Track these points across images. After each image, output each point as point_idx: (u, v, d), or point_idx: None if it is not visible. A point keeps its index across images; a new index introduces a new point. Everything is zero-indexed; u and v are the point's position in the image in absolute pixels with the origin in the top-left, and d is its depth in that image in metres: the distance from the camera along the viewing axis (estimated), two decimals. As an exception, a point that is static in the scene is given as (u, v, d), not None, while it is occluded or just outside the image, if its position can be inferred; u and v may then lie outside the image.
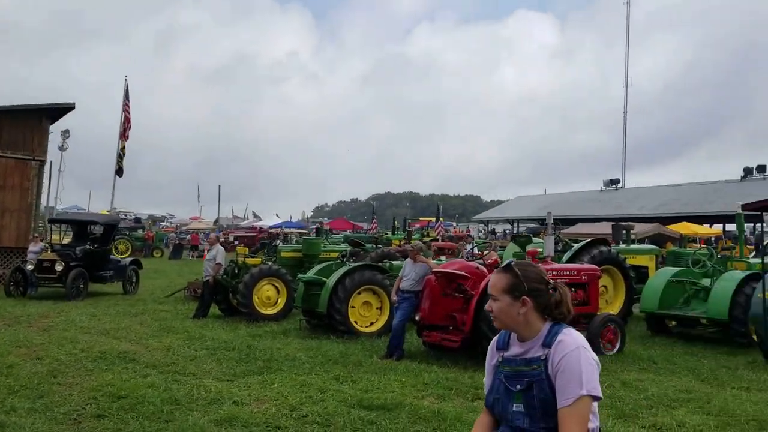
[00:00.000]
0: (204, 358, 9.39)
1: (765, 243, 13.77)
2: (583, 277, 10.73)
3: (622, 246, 15.71)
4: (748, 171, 52.38)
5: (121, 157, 35.69)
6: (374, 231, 37.62)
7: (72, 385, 7.67)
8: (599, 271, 11.07)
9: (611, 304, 13.60)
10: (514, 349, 2.64)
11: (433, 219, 49.55)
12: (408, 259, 10.15)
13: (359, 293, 11.59)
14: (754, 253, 17.14)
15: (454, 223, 73.29)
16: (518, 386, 2.55)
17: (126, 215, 67.28)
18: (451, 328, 9.56)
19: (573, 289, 10.61)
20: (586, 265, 11.13)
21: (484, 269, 9.73)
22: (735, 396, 7.81)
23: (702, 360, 10.24)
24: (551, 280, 2.65)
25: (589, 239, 13.74)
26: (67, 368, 8.52)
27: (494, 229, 60.49)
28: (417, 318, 9.82)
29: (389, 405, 6.93)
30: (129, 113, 35.69)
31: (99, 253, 17.65)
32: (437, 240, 26.88)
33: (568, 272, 10.60)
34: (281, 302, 13.45)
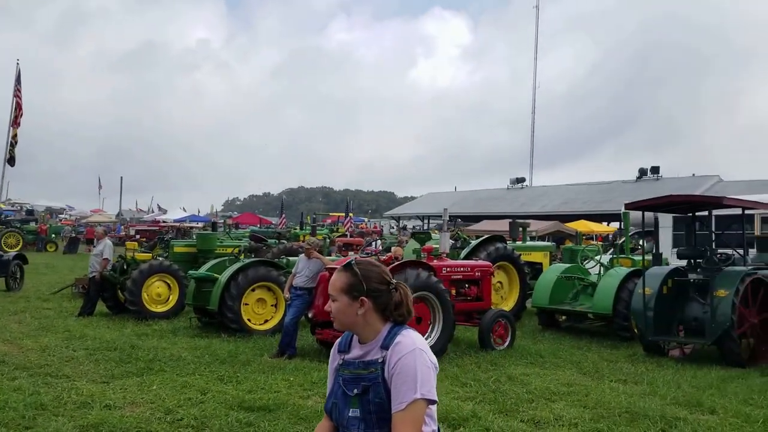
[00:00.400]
0: (81, 359, 8.86)
1: (621, 241, 14.45)
2: (477, 274, 10.87)
3: (519, 243, 16.11)
4: (643, 172, 55.29)
5: (12, 145, 33.60)
6: (282, 226, 37.08)
7: (-76, 392, 7.04)
8: (492, 268, 11.26)
9: (506, 300, 13.93)
10: (355, 352, 2.52)
11: (344, 214, 49.51)
12: (302, 255, 9.95)
13: (253, 290, 11.29)
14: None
15: (365, 219, 73.45)
16: (355, 390, 2.44)
17: (21, 207, 63.49)
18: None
19: (467, 285, 10.74)
20: (480, 262, 11.29)
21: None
22: (612, 389, 8.08)
23: (587, 353, 10.59)
24: (392, 281, 2.54)
25: (486, 236, 13.98)
26: None
27: (405, 225, 61.04)
28: (310, 315, 9.65)
29: (271, 406, 6.73)
30: (21, 99, 33.67)
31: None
32: (346, 236, 26.79)
33: (461, 268, 10.72)
34: (173, 299, 12.94)
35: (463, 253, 13.44)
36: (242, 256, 13.93)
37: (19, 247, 34.52)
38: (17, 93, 33.53)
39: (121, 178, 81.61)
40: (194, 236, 16.87)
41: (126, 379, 7.88)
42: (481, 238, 13.83)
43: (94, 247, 14.01)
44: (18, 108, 33.38)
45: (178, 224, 44.69)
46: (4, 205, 55.71)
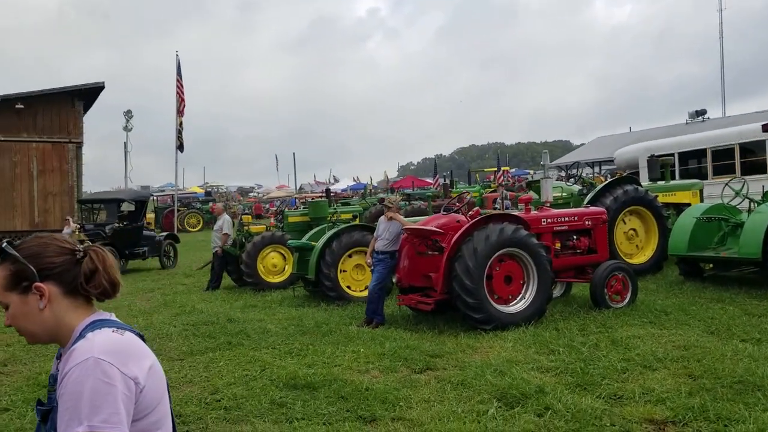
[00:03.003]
0: (174, 336, 9.06)
1: None
2: (587, 223, 9.61)
3: (661, 183, 14.18)
4: None
5: (180, 132, 36.34)
6: (437, 187, 36.64)
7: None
8: (605, 214, 9.88)
9: (643, 249, 12.36)
10: (58, 362, 1.89)
11: (507, 168, 47.92)
12: (382, 218, 9.37)
13: (350, 256, 10.94)
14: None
15: (531, 172, 70.72)
16: (38, 417, 1.83)
17: (217, 189, 69.51)
18: (428, 289, 8.77)
19: (575, 236, 9.55)
20: (591, 209, 9.97)
21: (464, 222, 8.82)
22: (737, 351, 6.64)
23: (727, 307, 8.96)
24: (78, 246, 1.85)
25: (613, 178, 12.41)
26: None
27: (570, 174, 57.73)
28: (394, 280, 9.09)
29: (318, 383, 6.29)
30: (182, 90, 36.13)
31: (130, 230, 17.82)
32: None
33: (567, 218, 9.52)
34: (289, 269, 12.99)
35: (587, 199, 12.03)
36: (357, 221, 13.69)
37: (200, 226, 37.58)
38: (179, 84, 36.05)
39: (294, 153, 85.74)
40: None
41: (202, 355, 7.87)
42: (606, 182, 12.28)
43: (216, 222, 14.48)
44: (180, 98, 35.92)
45: (346, 193, 45.95)
46: (200, 189, 61.24)
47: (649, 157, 14.44)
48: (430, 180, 57.12)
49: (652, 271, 12.09)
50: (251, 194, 79.82)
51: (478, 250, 8.16)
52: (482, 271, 8.16)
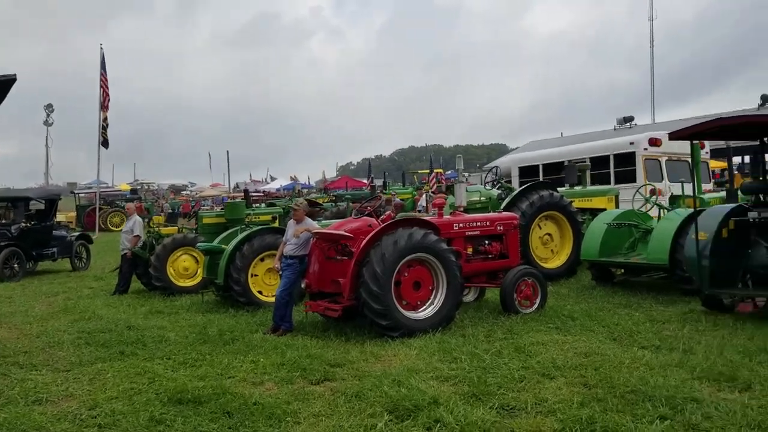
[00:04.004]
0: (65, 344, 8.50)
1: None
2: (499, 228, 9.56)
3: (577, 188, 14.39)
4: (765, 99, 49.85)
5: (104, 128, 34.95)
6: (368, 188, 36.46)
7: None
8: (517, 219, 9.87)
9: (558, 254, 12.47)
10: None
11: (441, 171, 48.10)
12: (291, 221, 9.07)
13: (262, 260, 10.59)
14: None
15: (467, 174, 71.46)
16: None
17: (148, 186, 67.38)
18: (337, 295, 8.52)
19: (486, 241, 9.48)
20: (504, 214, 9.93)
21: (376, 226, 8.60)
22: (635, 359, 6.65)
23: (632, 313, 9.08)
24: None
25: (529, 184, 12.48)
26: None
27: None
28: (303, 285, 8.80)
29: (205, 397, 5.94)
30: (107, 84, 34.75)
31: (38, 230, 16.89)
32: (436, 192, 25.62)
33: (478, 223, 9.44)
34: (201, 273, 12.50)
35: (504, 204, 12.04)
36: (276, 224, 13.33)
37: (124, 225, 36.31)
38: (102, 78, 34.66)
39: (227, 151, 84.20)
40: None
41: (90, 366, 7.38)
42: (522, 187, 12.34)
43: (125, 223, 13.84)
44: (105, 92, 34.54)
45: (281, 192, 45.21)
46: (128, 186, 59.33)
47: (567, 163, 14.69)
48: (366, 181, 57.04)
49: (566, 276, 12.21)
50: (184, 192, 77.91)
51: (386, 256, 7.97)
52: (390, 277, 7.97)
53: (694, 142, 11.18)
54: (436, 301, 8.31)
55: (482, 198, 12.84)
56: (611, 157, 16.01)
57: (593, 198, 13.99)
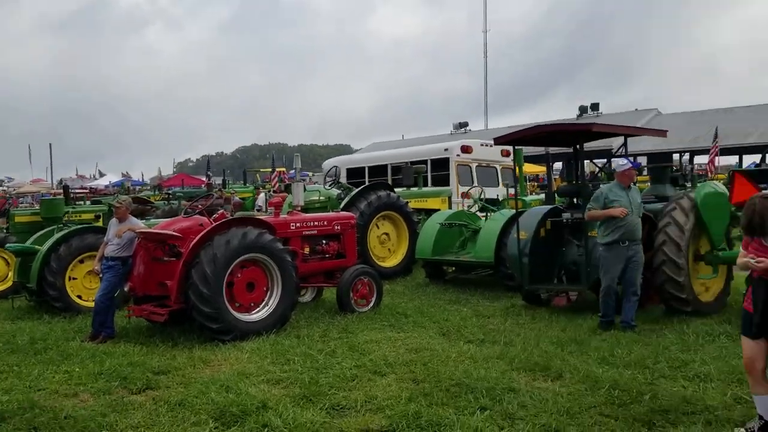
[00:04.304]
0: None
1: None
2: (336, 227, 9.57)
3: (414, 189, 14.86)
4: (583, 109, 54.70)
5: None
6: (206, 186, 35.22)
7: None
8: (354, 219, 9.96)
9: (395, 253, 12.75)
10: None
11: (284, 169, 47.61)
12: (113, 219, 8.48)
13: (81, 261, 9.81)
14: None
15: (310, 174, 71.54)
16: None
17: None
18: (164, 298, 8.07)
19: (324, 241, 9.45)
20: (341, 214, 9.98)
21: (208, 225, 8.25)
22: (461, 353, 6.91)
23: (461, 309, 9.49)
24: None
25: (367, 184, 12.67)
26: None
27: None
28: (126, 289, 8.25)
29: (10, 412, 5.37)
30: None
31: None
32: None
33: (315, 222, 9.39)
34: (12, 276, 11.35)
35: (343, 204, 12.11)
36: (99, 222, 12.42)
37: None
38: None
39: (50, 144, 77.76)
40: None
41: None
42: (361, 187, 12.50)
43: None
44: None
45: (90, 189, 42.23)
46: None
47: (403, 165, 15.16)
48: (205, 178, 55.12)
49: (403, 274, 12.53)
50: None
51: (217, 256, 7.67)
52: (222, 279, 7.69)
53: (517, 147, 11.96)
54: (270, 302, 8.14)
55: (321, 198, 12.84)
56: (428, 162, 16.80)
57: (429, 198, 14.50)
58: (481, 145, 16.96)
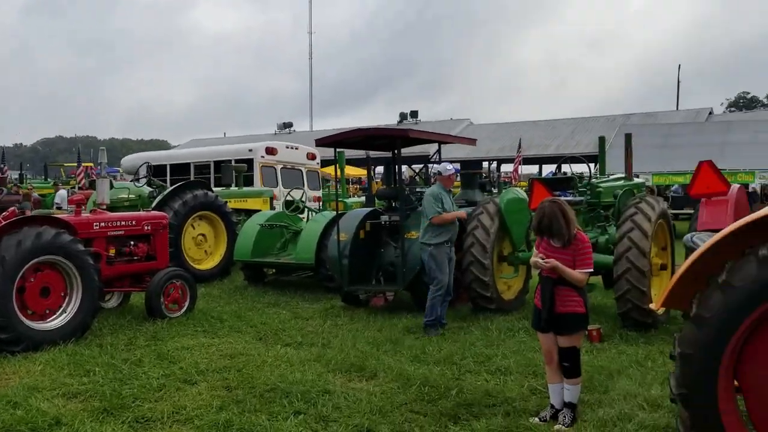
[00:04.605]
0: None
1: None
2: (146, 228, 9.01)
3: (234, 189, 14.48)
4: (403, 116, 57.05)
5: None
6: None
7: None
8: (166, 219, 9.45)
9: (212, 255, 12.31)
10: None
11: (91, 164, 44.20)
12: None
13: None
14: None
15: (120, 170, 67.22)
16: None
17: None
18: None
19: (132, 242, 8.86)
20: (152, 213, 9.42)
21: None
22: (278, 357, 6.81)
23: (279, 311, 9.36)
24: None
25: (182, 182, 12.11)
26: None
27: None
28: None
29: None
30: None
31: None
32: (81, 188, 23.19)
33: (122, 222, 8.77)
34: None
35: (155, 202, 11.45)
36: None
37: None
38: None
39: None
40: None
41: None
42: (175, 185, 11.92)
43: None
44: None
45: None
46: None
47: (223, 163, 14.72)
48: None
49: (220, 277, 12.13)
50: None
51: (6, 259, 6.87)
52: (11, 284, 6.89)
53: (340, 150, 12.07)
54: (69, 308, 7.44)
55: (131, 195, 12.07)
56: (232, 162, 16.58)
57: (249, 199, 14.18)
58: (287, 147, 17.10)
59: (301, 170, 17.33)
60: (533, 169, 44.50)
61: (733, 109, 73.94)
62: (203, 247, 12.06)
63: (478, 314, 8.74)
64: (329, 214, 11.05)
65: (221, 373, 6.25)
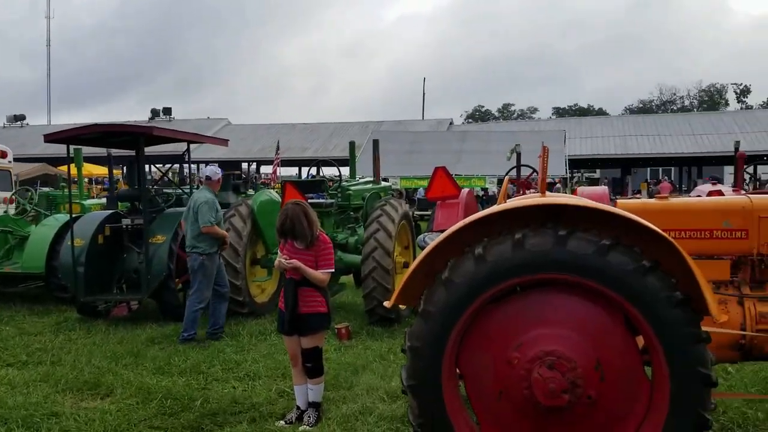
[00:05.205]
0: None
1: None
2: None
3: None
4: (155, 113, 54.38)
5: None
6: None
7: None
8: None
9: None
10: None
11: None
12: None
13: None
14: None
15: None
16: None
17: None
18: None
19: None
20: None
21: None
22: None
23: (4, 327, 8.28)
24: None
25: None
26: None
27: None
28: None
29: None
30: None
31: None
32: None
33: None
34: None
35: None
36: None
37: None
38: None
39: None
40: None
41: None
42: None
43: None
44: None
45: None
46: None
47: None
48: None
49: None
50: None
51: None
52: None
53: (75, 147, 11.04)
54: None
55: None
56: None
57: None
58: None
59: (8, 171, 15.46)
60: (293, 171, 45.13)
61: (470, 120, 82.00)
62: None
63: (228, 319, 8.53)
64: (62, 218, 10.01)
65: None
